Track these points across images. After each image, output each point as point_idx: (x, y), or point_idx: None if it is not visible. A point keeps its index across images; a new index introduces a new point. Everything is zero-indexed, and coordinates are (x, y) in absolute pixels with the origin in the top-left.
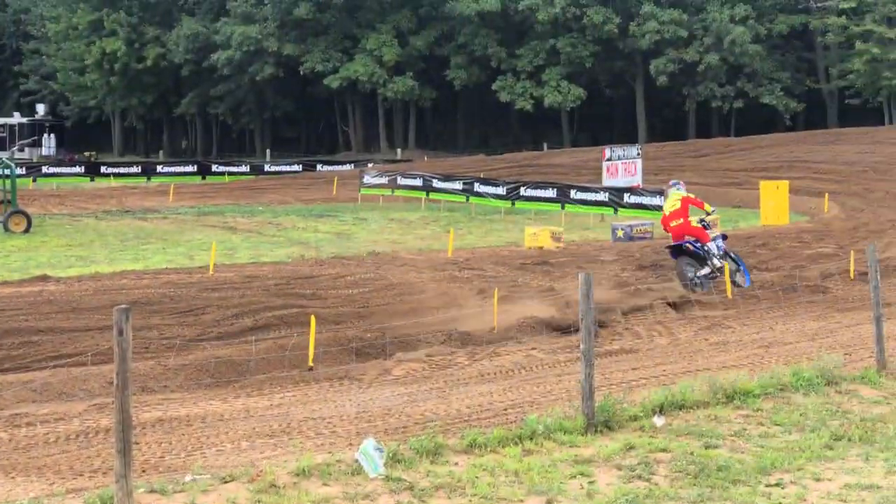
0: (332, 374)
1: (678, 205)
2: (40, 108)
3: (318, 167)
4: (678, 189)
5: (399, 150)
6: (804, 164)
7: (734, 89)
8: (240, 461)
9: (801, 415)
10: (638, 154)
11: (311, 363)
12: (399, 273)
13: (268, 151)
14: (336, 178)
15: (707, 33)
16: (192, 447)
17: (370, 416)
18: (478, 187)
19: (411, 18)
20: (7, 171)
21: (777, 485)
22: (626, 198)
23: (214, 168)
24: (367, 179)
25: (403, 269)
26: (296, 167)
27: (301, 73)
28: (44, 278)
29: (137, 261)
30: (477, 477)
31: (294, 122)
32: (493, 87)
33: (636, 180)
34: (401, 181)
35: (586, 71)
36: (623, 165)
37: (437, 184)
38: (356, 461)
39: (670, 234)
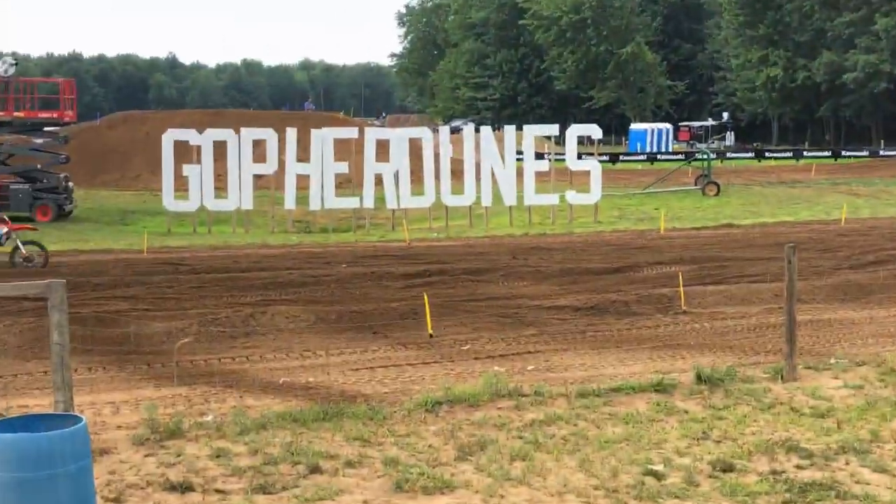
0: None
1: None
2: (724, 115)
3: None
4: None
5: None
6: None
7: None
8: (868, 352)
9: None
10: None
11: None
12: None
13: (881, 141)
14: None
15: None
16: (832, 341)
17: None
18: None
19: None
20: (705, 156)
21: None
22: None
23: (843, 153)
24: None
25: None
26: None
27: None
28: (729, 225)
29: (790, 215)
30: None
31: None
32: None
33: None
34: None
35: None
36: None
37: None
38: None
39: None
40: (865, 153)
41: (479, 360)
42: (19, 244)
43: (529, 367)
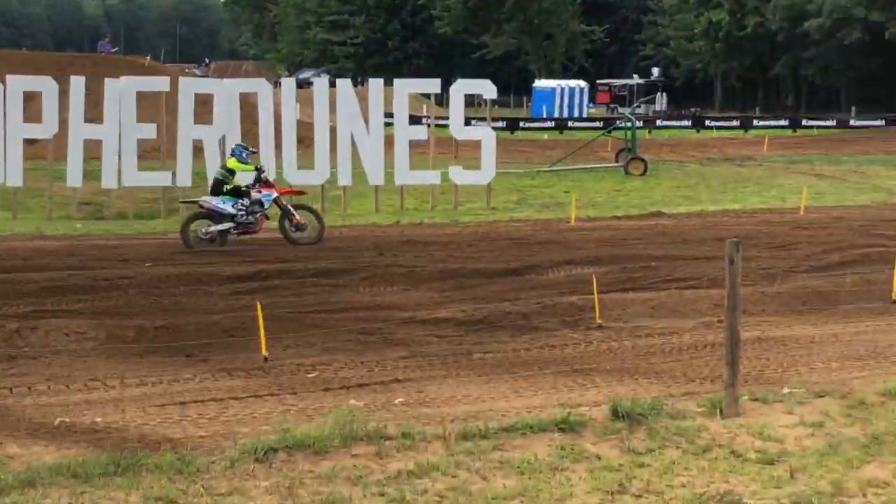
0: None
1: None
2: (655, 71)
3: None
4: None
5: None
6: None
7: None
8: (830, 379)
9: None
10: None
11: (894, 297)
12: None
13: (853, 108)
14: None
15: None
16: (787, 364)
17: None
18: None
19: None
20: (629, 124)
21: None
22: None
23: (804, 122)
24: None
25: None
26: (879, 122)
27: (886, 37)
28: (658, 214)
29: (736, 201)
30: None
31: (879, 82)
32: None
33: None
34: None
35: None
36: None
37: None
38: None
39: None
40: (832, 123)
41: (329, 391)
42: (291, 210)
43: (397, 401)
